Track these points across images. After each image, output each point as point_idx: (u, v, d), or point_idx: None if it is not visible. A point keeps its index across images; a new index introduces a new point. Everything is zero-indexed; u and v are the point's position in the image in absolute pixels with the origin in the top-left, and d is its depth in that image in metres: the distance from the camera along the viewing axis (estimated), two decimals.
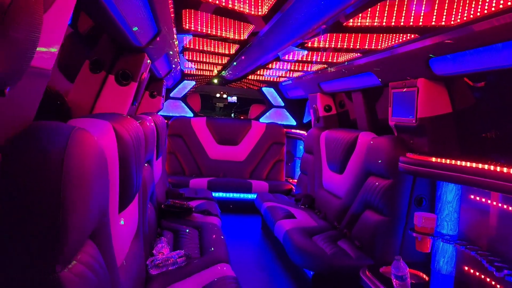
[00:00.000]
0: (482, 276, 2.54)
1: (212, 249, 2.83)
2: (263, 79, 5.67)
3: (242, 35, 3.06)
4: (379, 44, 2.78)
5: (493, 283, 2.44)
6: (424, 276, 2.74)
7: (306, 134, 5.37)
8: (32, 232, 0.89)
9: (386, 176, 3.10)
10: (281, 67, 4.44)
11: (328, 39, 2.84)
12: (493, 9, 1.80)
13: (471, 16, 1.92)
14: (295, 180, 6.34)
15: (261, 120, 6.62)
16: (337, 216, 3.77)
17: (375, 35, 2.61)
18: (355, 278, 2.81)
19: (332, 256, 3.02)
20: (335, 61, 3.62)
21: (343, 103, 4.90)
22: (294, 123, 6.63)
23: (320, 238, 3.38)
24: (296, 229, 3.53)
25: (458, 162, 2.56)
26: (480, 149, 2.72)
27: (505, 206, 2.42)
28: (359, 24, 2.38)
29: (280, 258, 4.06)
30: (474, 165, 2.43)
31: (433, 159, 2.75)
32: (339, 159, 3.98)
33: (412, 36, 2.43)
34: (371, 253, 3.05)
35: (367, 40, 2.75)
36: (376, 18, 2.29)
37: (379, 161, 3.16)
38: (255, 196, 5.26)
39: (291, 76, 5.20)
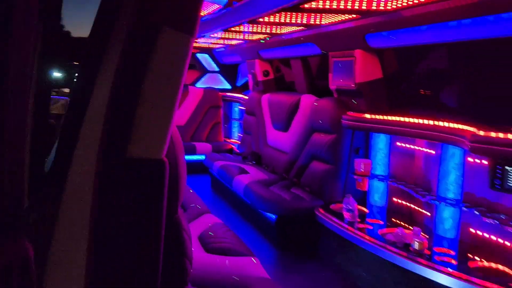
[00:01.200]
0: (408, 204, 3.32)
1: (193, 204, 3.24)
2: (197, 45, 5.90)
3: None
4: (322, 20, 3.28)
5: (416, 208, 3.22)
6: (364, 209, 3.46)
7: (244, 97, 5.83)
8: None
9: (330, 132, 3.73)
10: (217, 36, 4.69)
11: (278, 15, 3.24)
12: (416, 1, 2.39)
13: (401, 4, 2.50)
14: (233, 140, 6.85)
15: (197, 85, 6.91)
16: (285, 169, 4.37)
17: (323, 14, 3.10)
18: (311, 216, 3.44)
19: (290, 200, 3.61)
20: (278, 32, 4.06)
21: (279, 68, 5.41)
22: (229, 87, 7.03)
23: (276, 188, 3.96)
24: (254, 182, 4.06)
25: (387, 117, 3.25)
26: (404, 105, 3.43)
27: (425, 149, 3.17)
28: (313, 6, 2.85)
29: (239, 210, 4.53)
30: (399, 118, 3.14)
31: (368, 116, 3.42)
32: (283, 119, 4.54)
33: (354, 16, 2.97)
34: (320, 195, 3.70)
35: (312, 16, 3.22)
36: (327, 2, 2.78)
37: (324, 120, 3.76)
38: (199, 157, 5.66)
39: (225, 43, 5.52)
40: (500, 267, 2.41)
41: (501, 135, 2.21)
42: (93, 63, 0.79)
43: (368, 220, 3.23)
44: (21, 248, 0.66)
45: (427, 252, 2.60)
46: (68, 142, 0.80)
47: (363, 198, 3.65)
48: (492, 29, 2.30)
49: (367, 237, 2.90)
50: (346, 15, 2.99)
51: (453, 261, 2.50)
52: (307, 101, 4.20)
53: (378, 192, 3.55)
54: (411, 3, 2.44)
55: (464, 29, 2.45)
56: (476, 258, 2.52)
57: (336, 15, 3.06)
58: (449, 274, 2.35)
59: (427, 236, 2.77)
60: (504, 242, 2.51)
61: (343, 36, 3.35)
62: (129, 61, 0.79)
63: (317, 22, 3.34)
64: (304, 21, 3.37)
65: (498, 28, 2.27)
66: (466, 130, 2.48)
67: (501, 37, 2.35)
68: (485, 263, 2.46)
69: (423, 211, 3.13)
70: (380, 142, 3.52)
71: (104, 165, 0.81)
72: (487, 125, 2.40)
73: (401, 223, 3.12)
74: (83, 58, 0.82)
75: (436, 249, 2.66)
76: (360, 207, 3.40)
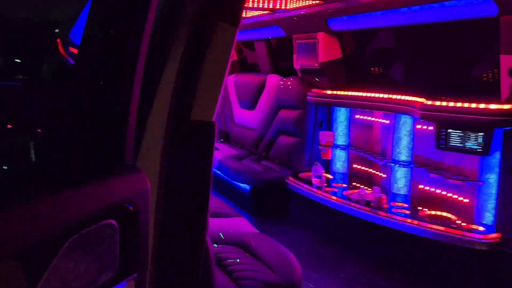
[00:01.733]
0: (367, 169, 3.78)
1: None
2: None
3: None
4: (286, 5, 3.60)
5: (374, 171, 3.68)
6: (329, 175, 3.89)
7: None
8: None
9: (296, 108, 4.10)
10: None
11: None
12: None
13: None
14: None
15: None
16: (253, 144, 4.71)
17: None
18: (282, 185, 3.83)
19: (263, 172, 3.97)
20: (244, 16, 4.34)
21: (242, 50, 5.69)
22: None
23: (247, 161, 4.29)
24: (226, 157, 4.37)
25: (347, 93, 3.66)
26: (361, 81, 3.85)
27: (380, 120, 3.61)
28: None
29: (213, 184, 4.82)
30: (358, 93, 3.56)
31: (329, 92, 3.82)
32: (250, 98, 4.86)
33: (317, 1, 3.31)
34: (289, 166, 4.08)
35: (278, 1, 3.52)
36: None
37: (290, 97, 4.12)
38: None
39: None
40: (444, 214, 2.92)
41: (444, 103, 2.67)
42: (164, 47, 1.06)
43: (333, 184, 3.66)
44: (143, 180, 0.93)
45: (385, 206, 3.06)
46: (146, 107, 1.07)
47: (327, 166, 4.08)
48: (436, 14, 2.74)
49: (334, 197, 3.32)
50: (310, 0, 3.33)
51: (407, 212, 2.97)
52: (273, 81, 4.53)
53: (340, 160, 3.98)
54: None
55: (413, 14, 2.86)
56: (425, 208, 3.01)
57: (300, 1, 3.39)
58: (403, 222, 2.82)
59: (385, 194, 3.23)
60: (447, 194, 3.01)
61: (307, 20, 3.69)
62: (193, 48, 1.07)
63: (283, 7, 3.66)
64: (271, 6, 3.68)
65: (441, 14, 2.71)
66: (416, 101, 2.93)
67: (443, 21, 2.80)
68: (432, 212, 2.96)
69: (380, 173, 3.60)
70: (341, 115, 3.94)
71: (174, 125, 1.09)
72: (430, 96, 2.86)
73: (362, 186, 3.57)
74: (156, 42, 1.08)
75: (392, 203, 3.13)
76: (325, 174, 3.82)
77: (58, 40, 3.60)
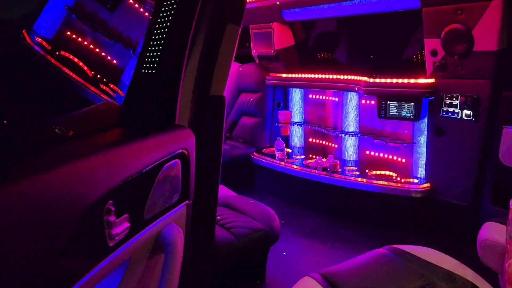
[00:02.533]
0: (321, 141, 4.33)
1: None
2: None
3: None
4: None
5: (328, 143, 4.24)
6: (288, 149, 4.41)
7: None
8: None
9: (256, 91, 4.56)
10: None
11: None
12: None
13: None
14: None
15: None
16: None
17: None
18: (248, 160, 4.29)
19: (230, 149, 4.41)
20: None
21: None
22: None
23: None
24: None
25: (300, 75, 4.17)
26: (312, 64, 4.38)
27: (330, 98, 4.17)
28: None
29: None
30: (310, 75, 4.08)
31: (285, 75, 4.31)
32: None
33: None
34: (252, 143, 4.55)
35: None
36: None
37: (250, 81, 4.57)
38: None
39: None
40: (387, 172, 3.53)
41: (383, 80, 3.25)
42: (187, 41, 1.47)
43: (293, 156, 4.18)
44: (190, 134, 1.34)
45: (339, 170, 3.63)
46: (175, 86, 1.47)
47: (286, 141, 4.59)
48: (372, 7, 3.29)
49: (295, 166, 3.84)
50: None
51: (357, 173, 3.55)
52: (232, 67, 4.94)
53: (297, 135, 4.51)
54: None
55: (353, 7, 3.40)
56: (371, 169, 3.61)
57: None
58: (354, 181, 3.39)
59: (338, 161, 3.79)
60: (388, 156, 3.62)
61: (263, 12, 4.13)
62: (210, 42, 1.48)
63: None
64: None
65: (375, 7, 3.27)
66: (360, 79, 3.49)
67: (379, 12, 3.37)
68: (377, 172, 3.56)
69: (333, 144, 4.16)
70: (296, 95, 4.45)
71: (196, 100, 1.50)
72: (371, 75, 3.43)
73: (317, 156, 4.12)
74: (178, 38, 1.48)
75: (345, 167, 3.70)
76: (285, 148, 4.33)
77: (24, 31, 3.84)
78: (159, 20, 1.35)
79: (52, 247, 0.75)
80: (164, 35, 1.32)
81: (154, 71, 1.33)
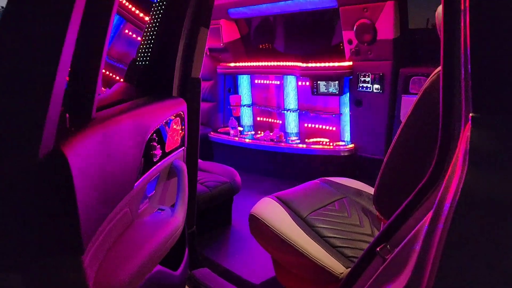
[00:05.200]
0: (267, 119, 5.10)
1: None
2: None
3: None
4: None
5: (273, 120, 5.02)
6: (239, 127, 5.14)
7: None
8: None
9: (209, 79, 5.23)
10: None
11: None
12: None
13: None
14: None
15: None
16: None
17: None
18: (205, 139, 4.97)
19: None
20: None
21: None
22: None
23: None
24: None
25: (247, 64, 4.91)
26: (256, 54, 5.11)
27: (273, 82, 4.94)
28: None
29: None
30: (254, 63, 4.82)
31: (233, 64, 5.03)
32: None
33: None
34: (208, 125, 5.23)
35: None
36: None
37: (204, 71, 5.22)
38: None
39: None
40: (322, 139, 4.38)
41: (314, 65, 4.07)
42: (177, 41, 2.14)
43: (244, 133, 4.92)
44: (183, 101, 2.02)
45: (283, 140, 4.43)
46: (171, 71, 2.14)
47: (237, 121, 5.31)
48: (300, 6, 4.09)
49: (247, 140, 4.59)
50: None
51: (298, 141, 4.37)
52: None
53: (247, 116, 5.25)
54: None
55: (286, 6, 4.18)
56: (310, 138, 4.44)
57: None
58: (297, 147, 4.20)
59: (282, 133, 4.58)
60: (322, 126, 4.47)
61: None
62: (189, 41, 2.16)
63: None
64: None
65: (303, 6, 4.06)
66: (296, 65, 4.29)
67: (306, 10, 4.17)
68: (314, 139, 4.40)
69: (277, 121, 4.95)
70: (244, 81, 5.18)
71: (182, 80, 2.18)
72: (305, 60, 4.24)
73: (265, 132, 4.89)
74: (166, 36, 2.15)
75: (288, 138, 4.50)
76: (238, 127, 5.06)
77: None
78: (156, 24, 2.01)
79: (139, 152, 1.43)
80: (161, 37, 2.00)
81: (155, 61, 2.00)
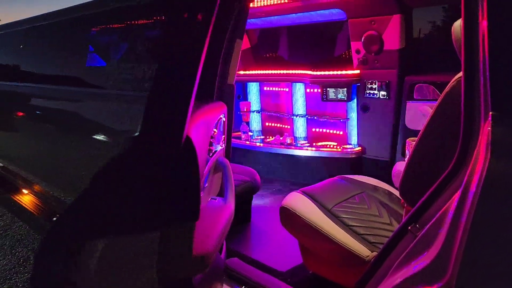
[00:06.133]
0: (276, 124, 5.36)
1: None
2: None
3: None
4: None
5: (282, 125, 5.28)
6: (250, 133, 5.39)
7: None
8: None
9: None
10: None
11: None
12: (272, 2, 4.29)
13: (263, 3, 4.37)
14: None
15: None
16: None
17: None
18: None
19: None
20: None
21: None
22: None
23: None
24: None
25: (256, 72, 5.18)
26: (265, 63, 5.38)
27: (282, 89, 5.20)
28: None
29: None
30: (264, 72, 5.09)
31: (243, 72, 5.29)
32: None
33: None
34: None
35: None
36: None
37: None
38: None
39: None
40: (330, 143, 4.64)
41: (324, 73, 4.35)
42: (219, 49, 2.39)
43: (254, 138, 5.18)
44: (224, 105, 2.26)
45: (293, 144, 4.69)
46: (214, 80, 2.39)
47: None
48: (309, 19, 4.37)
49: (259, 144, 4.84)
50: None
51: (307, 145, 4.63)
52: None
53: (256, 121, 5.51)
54: (270, 3, 4.35)
55: (295, 19, 4.46)
56: (318, 142, 4.71)
57: None
58: (306, 149, 4.46)
59: (292, 137, 4.84)
60: (330, 130, 4.74)
61: None
62: (227, 50, 2.41)
63: None
64: None
65: (311, 18, 4.35)
66: (306, 73, 4.57)
67: (316, 22, 4.45)
68: (322, 143, 4.67)
69: (286, 126, 5.22)
70: (254, 88, 5.45)
71: (220, 86, 2.42)
72: (313, 68, 4.51)
73: (274, 136, 5.15)
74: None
75: (298, 142, 4.77)
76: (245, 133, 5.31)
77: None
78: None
79: (207, 145, 1.68)
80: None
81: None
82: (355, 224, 2.22)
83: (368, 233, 2.17)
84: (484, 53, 1.14)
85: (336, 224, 2.20)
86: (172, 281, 1.13)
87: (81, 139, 1.98)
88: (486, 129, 1.15)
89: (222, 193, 2.12)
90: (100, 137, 1.79)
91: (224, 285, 2.43)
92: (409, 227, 1.57)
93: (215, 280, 1.84)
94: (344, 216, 2.28)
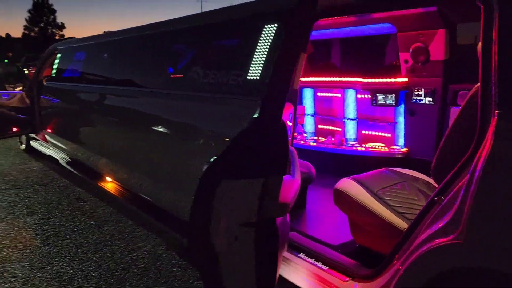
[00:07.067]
0: (328, 127, 5.87)
1: None
2: None
3: None
4: None
5: (333, 128, 5.78)
6: (304, 134, 5.93)
7: None
8: None
9: None
10: None
11: None
12: None
13: None
14: None
15: None
16: None
17: None
18: None
19: None
20: None
21: None
22: None
23: None
24: None
25: (311, 79, 5.73)
26: (320, 70, 5.91)
27: (334, 94, 5.71)
28: None
29: None
30: (318, 79, 5.63)
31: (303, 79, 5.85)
32: None
33: None
34: None
35: None
36: None
37: None
38: None
39: None
40: (378, 144, 5.10)
41: (374, 80, 4.82)
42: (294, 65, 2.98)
43: (309, 138, 5.72)
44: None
45: (344, 144, 5.18)
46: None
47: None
48: (361, 32, 4.87)
49: (313, 143, 5.38)
50: None
51: (358, 145, 5.11)
52: None
53: (309, 124, 6.04)
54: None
55: (349, 32, 4.97)
56: (367, 143, 5.17)
57: None
58: (356, 150, 4.95)
59: (343, 138, 5.34)
60: (378, 133, 5.19)
61: None
62: (293, 63, 3.00)
63: None
64: None
65: (364, 31, 4.85)
66: (358, 80, 5.06)
67: (371, 35, 4.95)
68: (371, 144, 5.13)
69: (337, 128, 5.72)
70: (308, 93, 6.00)
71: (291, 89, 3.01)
72: (364, 76, 4.99)
73: (326, 138, 5.66)
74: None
75: (348, 142, 5.26)
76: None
77: None
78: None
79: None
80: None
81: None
82: (396, 205, 2.71)
83: (406, 211, 2.66)
84: (495, 69, 1.66)
85: (380, 203, 2.71)
86: (265, 217, 1.72)
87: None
88: (493, 123, 1.66)
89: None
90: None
91: (286, 252, 2.99)
92: (436, 198, 2.07)
93: (285, 230, 2.41)
94: (387, 198, 2.78)
